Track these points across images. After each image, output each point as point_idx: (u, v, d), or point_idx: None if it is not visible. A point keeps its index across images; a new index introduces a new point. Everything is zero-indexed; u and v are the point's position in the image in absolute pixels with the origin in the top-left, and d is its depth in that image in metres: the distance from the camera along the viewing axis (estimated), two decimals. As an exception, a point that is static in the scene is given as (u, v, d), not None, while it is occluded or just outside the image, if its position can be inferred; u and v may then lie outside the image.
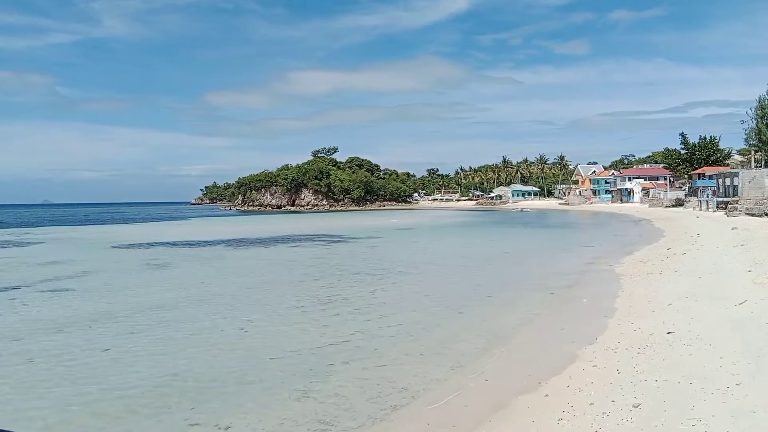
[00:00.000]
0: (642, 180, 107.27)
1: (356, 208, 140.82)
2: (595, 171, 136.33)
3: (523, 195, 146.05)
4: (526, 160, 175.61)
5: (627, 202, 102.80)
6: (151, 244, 42.09)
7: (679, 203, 75.11)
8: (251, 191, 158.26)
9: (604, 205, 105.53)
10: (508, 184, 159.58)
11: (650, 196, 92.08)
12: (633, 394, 7.46)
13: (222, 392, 9.39)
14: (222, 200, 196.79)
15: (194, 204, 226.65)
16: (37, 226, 76.60)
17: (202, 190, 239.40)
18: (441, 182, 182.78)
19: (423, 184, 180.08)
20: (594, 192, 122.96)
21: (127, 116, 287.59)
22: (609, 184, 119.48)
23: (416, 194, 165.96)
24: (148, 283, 22.43)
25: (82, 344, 12.75)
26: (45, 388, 9.82)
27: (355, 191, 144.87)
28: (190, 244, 42.54)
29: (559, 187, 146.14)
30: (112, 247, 40.47)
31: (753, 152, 69.64)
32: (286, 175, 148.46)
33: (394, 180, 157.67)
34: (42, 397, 9.39)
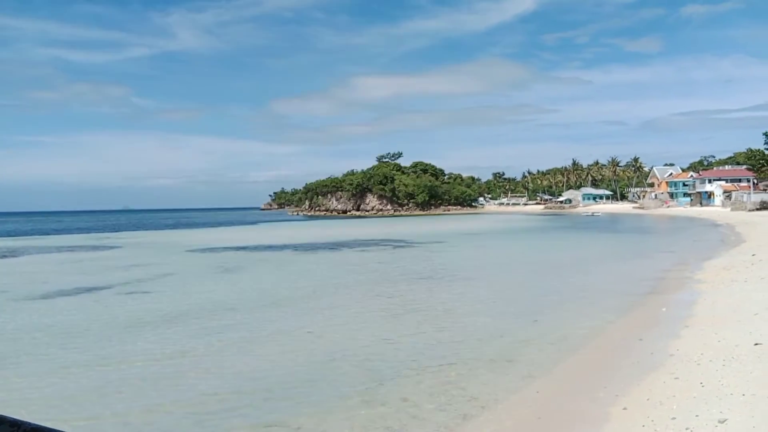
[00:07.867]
0: (723, 182, 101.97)
1: (421, 212, 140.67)
2: (672, 173, 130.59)
3: (594, 199, 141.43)
4: (597, 163, 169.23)
5: (707, 205, 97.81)
6: (223, 248, 43.52)
7: (764, 206, 70.80)
8: (318, 196, 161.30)
9: (682, 208, 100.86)
10: (578, 187, 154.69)
11: (732, 199, 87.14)
12: (719, 409, 7.03)
13: (291, 395, 9.53)
14: (289, 205, 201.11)
15: (263, 209, 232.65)
16: (116, 231, 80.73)
17: (270, 195, 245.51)
18: (507, 186, 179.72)
19: (489, 188, 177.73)
20: (671, 195, 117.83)
21: (198, 125, 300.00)
22: (687, 187, 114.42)
23: (482, 198, 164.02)
24: (220, 286, 23.17)
25: (156, 346, 13.27)
26: (119, 387, 10.27)
27: (420, 196, 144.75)
28: (260, 248, 43.71)
29: (633, 190, 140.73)
30: (187, 251, 42.10)
31: None
32: (352, 180, 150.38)
33: (459, 184, 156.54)
34: (115, 395, 9.82)
